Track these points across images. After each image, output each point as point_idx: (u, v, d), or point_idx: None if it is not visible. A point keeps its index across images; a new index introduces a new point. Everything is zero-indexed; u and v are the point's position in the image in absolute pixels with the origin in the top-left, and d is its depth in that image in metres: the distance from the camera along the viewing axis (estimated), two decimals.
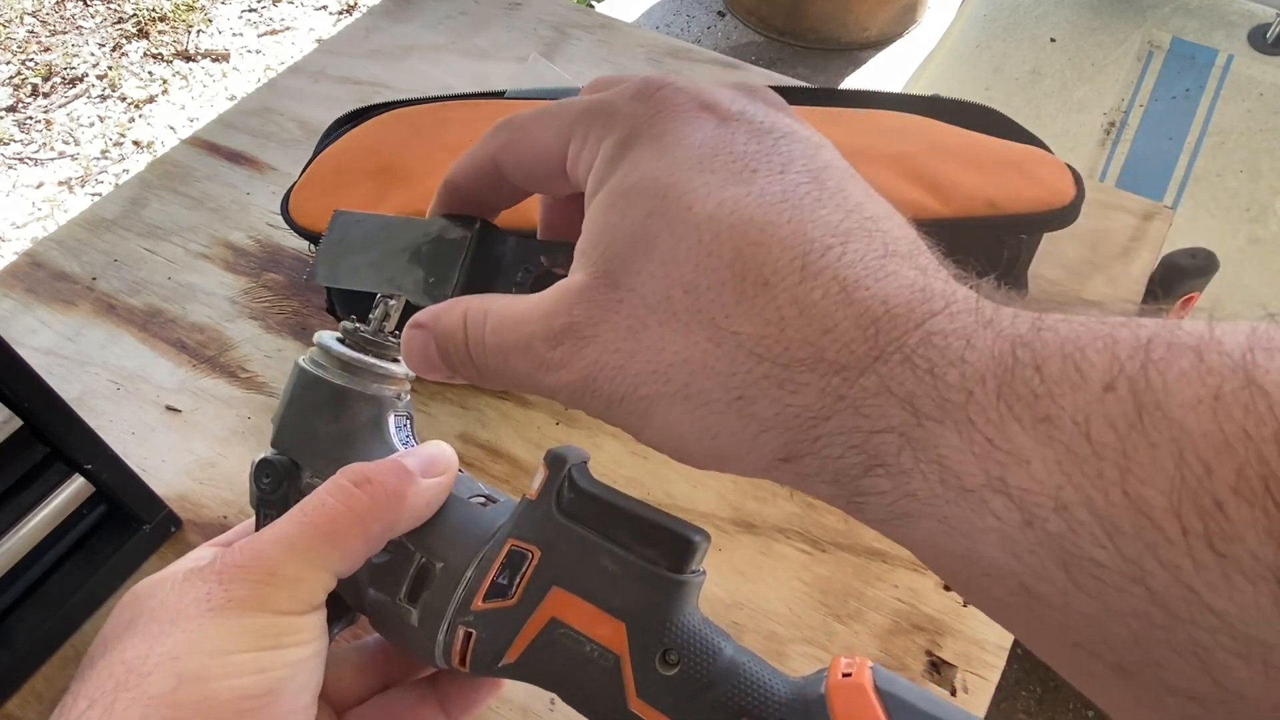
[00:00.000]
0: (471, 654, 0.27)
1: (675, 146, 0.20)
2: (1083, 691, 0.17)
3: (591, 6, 2.15)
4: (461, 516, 0.28)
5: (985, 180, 0.49)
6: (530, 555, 0.26)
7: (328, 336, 0.30)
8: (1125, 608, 0.14)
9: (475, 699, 0.31)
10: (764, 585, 0.44)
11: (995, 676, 0.41)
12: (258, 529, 0.28)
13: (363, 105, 0.56)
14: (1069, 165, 0.51)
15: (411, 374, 0.31)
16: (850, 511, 0.19)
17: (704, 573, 0.27)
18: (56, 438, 0.38)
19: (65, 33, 2.27)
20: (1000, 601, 0.16)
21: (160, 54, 2.22)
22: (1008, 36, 1.17)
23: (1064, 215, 0.50)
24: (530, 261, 0.27)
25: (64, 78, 2.14)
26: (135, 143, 1.99)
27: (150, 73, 2.17)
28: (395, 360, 0.31)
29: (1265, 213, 1.02)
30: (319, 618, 0.26)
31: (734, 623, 0.43)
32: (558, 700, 0.26)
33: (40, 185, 1.88)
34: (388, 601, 0.28)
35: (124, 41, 2.25)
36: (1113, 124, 1.09)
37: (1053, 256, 0.58)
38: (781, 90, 0.57)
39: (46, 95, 2.10)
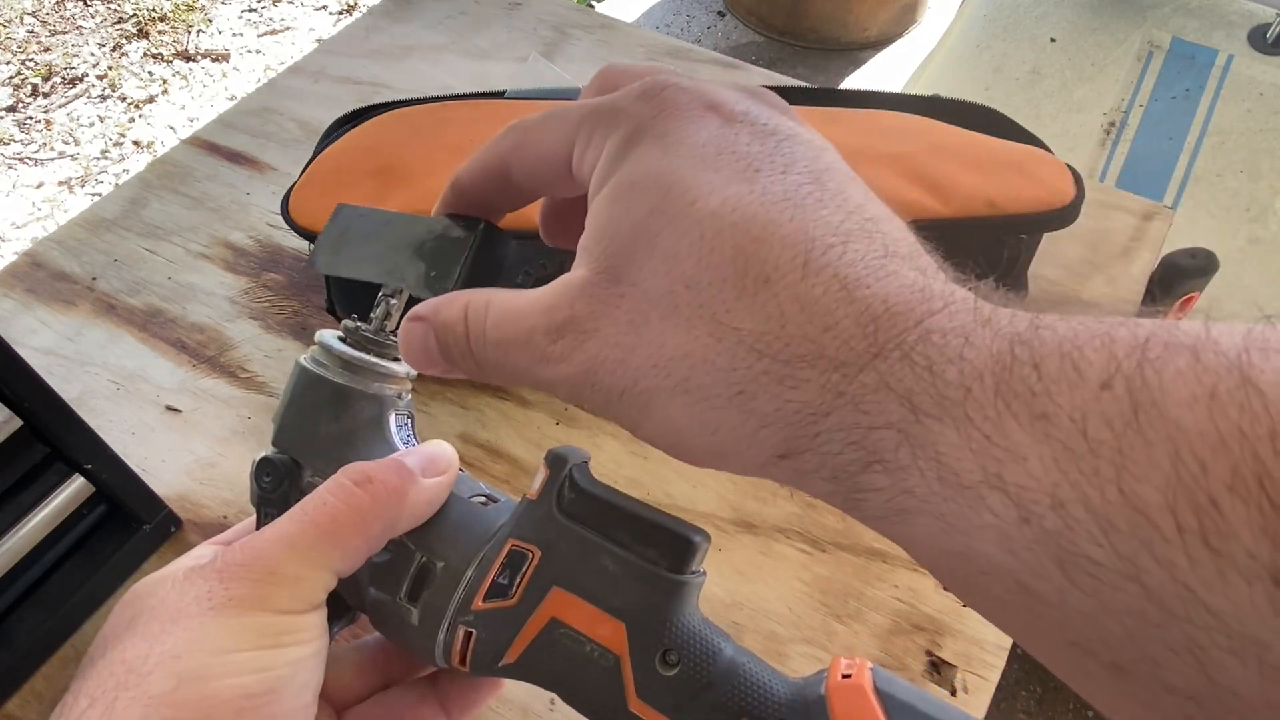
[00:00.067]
0: (471, 653, 0.27)
1: (679, 144, 0.21)
2: (1079, 692, 0.17)
3: (591, 6, 2.15)
4: (462, 516, 0.28)
5: (985, 180, 0.49)
6: (531, 555, 0.26)
7: (329, 335, 0.30)
8: (1121, 605, 0.14)
9: (475, 698, 0.31)
10: (764, 585, 0.44)
11: (995, 676, 0.41)
12: (258, 528, 0.28)
13: (363, 105, 0.56)
14: (1069, 165, 0.51)
15: (413, 373, 0.31)
16: (848, 509, 0.19)
17: (704, 573, 0.27)
18: (56, 438, 0.38)
19: (65, 33, 2.27)
20: (997, 600, 0.16)
21: (160, 54, 2.22)
22: (1008, 36, 1.17)
23: (1064, 215, 0.50)
24: (531, 265, 0.27)
25: (64, 78, 2.14)
26: (135, 143, 1.99)
27: (150, 73, 2.17)
28: (396, 359, 0.31)
29: (1265, 213, 1.02)
30: (319, 616, 0.26)
31: (734, 623, 0.43)
32: (558, 700, 0.26)
33: (40, 185, 1.89)
34: (388, 600, 0.28)
35: (124, 41, 2.25)
36: (1113, 124, 1.09)
37: (1053, 256, 0.58)
38: (781, 90, 0.57)
39: (46, 95, 2.10)
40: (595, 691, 0.25)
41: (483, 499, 0.29)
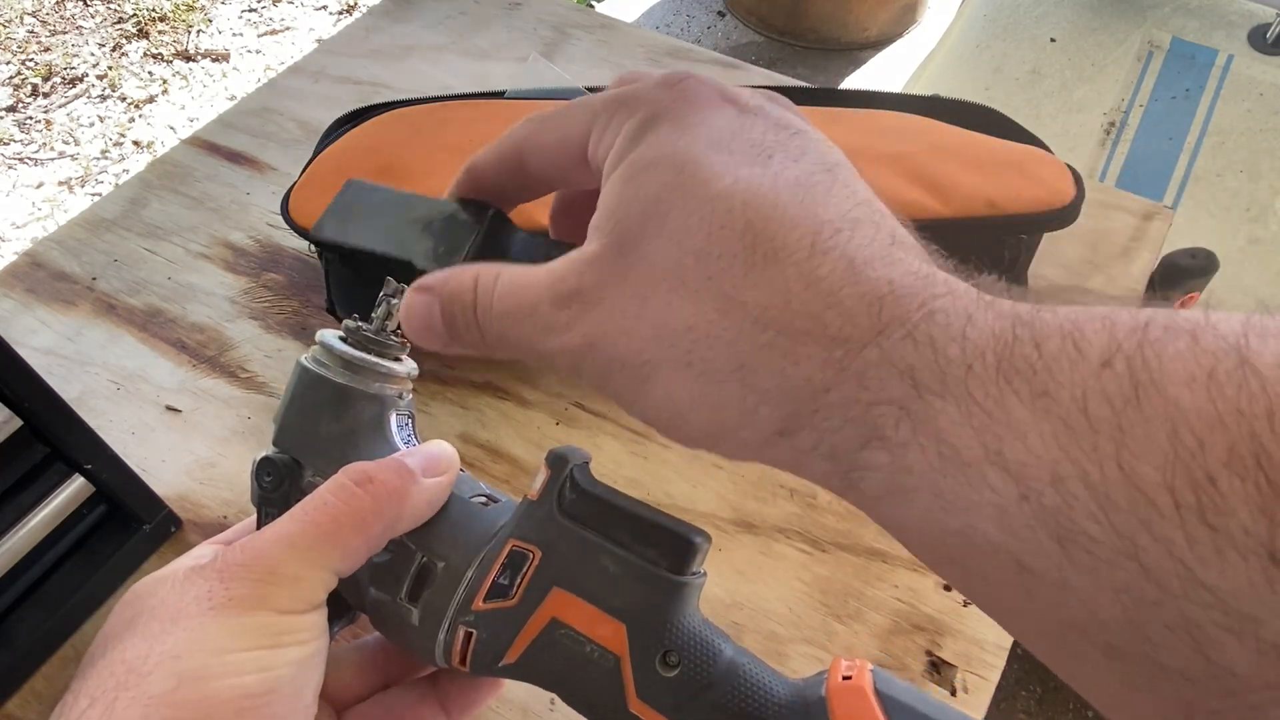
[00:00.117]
0: (472, 654, 0.27)
1: (695, 128, 0.21)
2: (1072, 682, 0.17)
3: (591, 6, 2.15)
4: (463, 516, 0.28)
5: (985, 180, 0.49)
6: (531, 555, 0.26)
7: (330, 335, 0.30)
8: (1118, 583, 0.14)
9: (475, 698, 0.31)
10: (764, 585, 0.44)
11: (995, 676, 0.41)
12: (259, 527, 0.28)
13: (363, 105, 0.56)
14: (1069, 165, 0.51)
15: (414, 373, 0.31)
16: (844, 491, 0.19)
17: (705, 574, 0.27)
18: (56, 438, 0.38)
19: (65, 33, 2.27)
20: (994, 583, 0.16)
21: (160, 54, 2.22)
22: (1008, 36, 1.17)
23: (1064, 215, 0.50)
24: (537, 259, 0.28)
25: (64, 78, 2.14)
26: (135, 143, 1.99)
27: (150, 73, 2.17)
28: (398, 359, 0.31)
29: (1265, 213, 1.02)
30: (320, 616, 0.26)
31: (734, 623, 0.43)
32: (558, 700, 0.26)
33: (40, 185, 1.88)
34: (388, 601, 0.28)
35: (124, 41, 2.25)
36: (1113, 124, 1.09)
37: (1053, 256, 0.58)
38: (781, 90, 0.57)
39: (46, 95, 2.10)
40: (595, 692, 0.25)
41: (483, 499, 0.29)
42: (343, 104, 0.60)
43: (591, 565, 0.26)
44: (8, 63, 2.17)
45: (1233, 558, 0.13)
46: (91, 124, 2.03)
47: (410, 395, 0.31)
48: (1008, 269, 0.52)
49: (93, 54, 2.21)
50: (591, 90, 0.56)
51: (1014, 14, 1.18)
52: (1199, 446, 0.13)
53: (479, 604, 0.26)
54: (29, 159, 1.94)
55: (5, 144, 1.96)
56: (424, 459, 0.28)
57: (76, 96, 2.09)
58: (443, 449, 0.29)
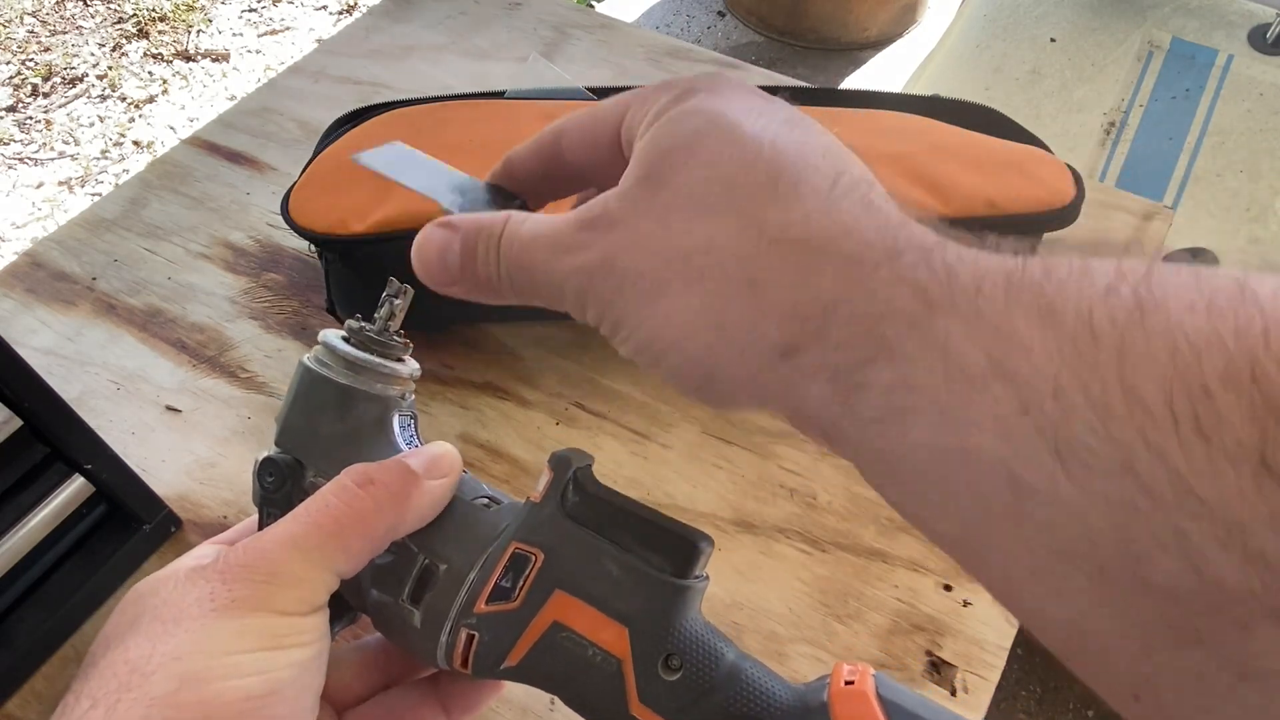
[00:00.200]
0: (474, 656, 0.27)
1: (730, 98, 0.22)
2: (1048, 629, 0.17)
3: (591, 6, 2.15)
4: (465, 518, 0.28)
5: (985, 180, 0.49)
6: (534, 558, 0.26)
7: (333, 335, 0.30)
8: (1112, 494, 0.14)
9: (476, 699, 0.31)
10: (764, 585, 0.44)
11: (995, 676, 0.41)
12: (260, 528, 0.28)
13: (363, 105, 0.56)
14: (1069, 165, 0.51)
15: (416, 374, 0.31)
16: (840, 419, 0.19)
17: (708, 578, 0.27)
18: (56, 438, 0.38)
19: (65, 33, 2.26)
20: (985, 508, 0.16)
21: (160, 54, 2.22)
22: (1008, 36, 1.17)
23: (1064, 215, 0.50)
24: None
25: (64, 78, 2.14)
26: (135, 143, 1.99)
27: (150, 73, 2.17)
28: (400, 360, 0.31)
29: (1265, 213, 1.02)
30: (321, 618, 0.26)
31: (734, 623, 0.43)
32: (558, 701, 0.26)
33: (40, 185, 1.88)
34: (390, 602, 0.28)
35: (124, 41, 2.25)
36: (1113, 124, 1.09)
37: None
38: (781, 90, 0.57)
39: (46, 95, 2.10)
40: (597, 696, 0.25)
41: (485, 501, 0.29)
42: (343, 104, 0.60)
43: (594, 568, 0.26)
44: (8, 63, 2.17)
45: (1224, 467, 0.13)
46: (91, 124, 2.03)
47: (413, 396, 0.31)
48: None
49: (93, 54, 2.21)
50: (592, 90, 0.56)
51: (1014, 14, 1.18)
52: (1197, 362, 0.14)
53: (481, 606, 0.26)
54: (29, 159, 1.94)
55: (5, 144, 1.96)
56: (427, 460, 0.28)
57: (76, 96, 2.09)
58: (445, 450, 0.29)
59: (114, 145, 1.98)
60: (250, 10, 2.36)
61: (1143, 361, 0.14)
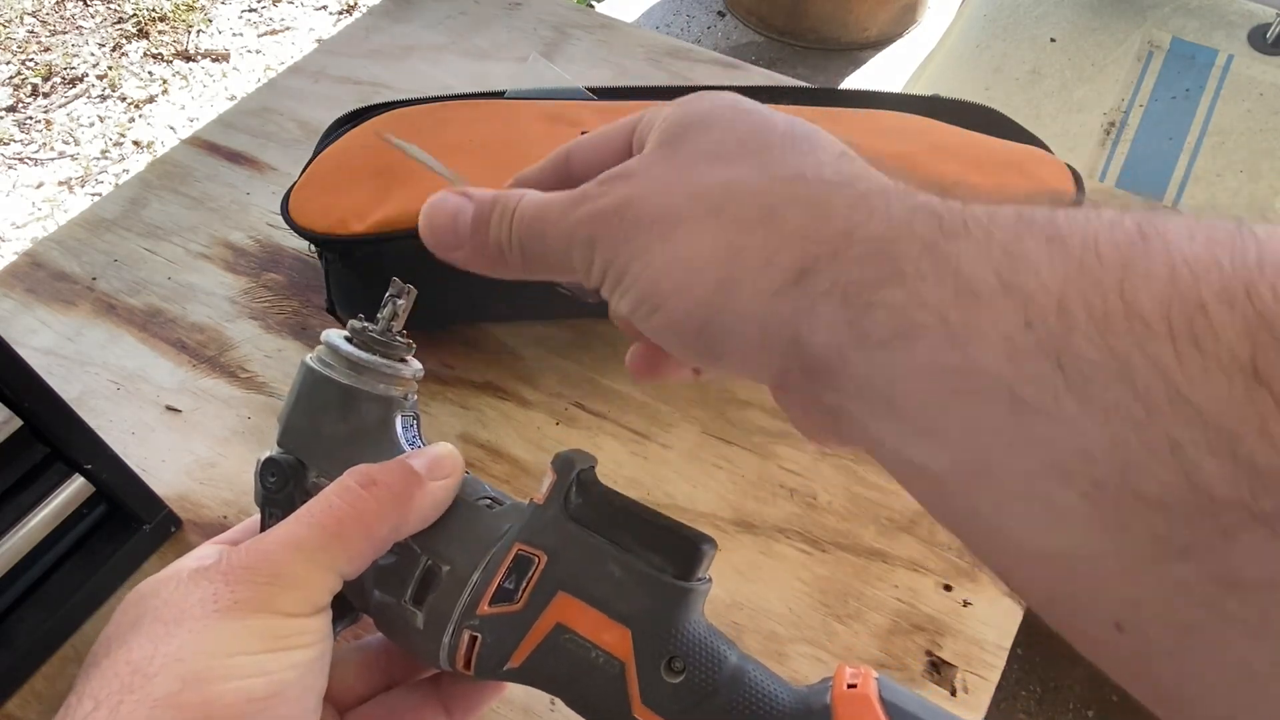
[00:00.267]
0: (476, 658, 0.26)
1: (740, 99, 0.24)
2: (1036, 562, 0.17)
3: (591, 6, 2.15)
4: (468, 519, 0.28)
5: (985, 180, 0.49)
6: (537, 560, 0.26)
7: (336, 336, 0.30)
8: (1109, 404, 0.15)
9: (478, 700, 0.31)
10: (764, 585, 0.44)
11: (995, 676, 0.41)
12: (262, 528, 0.28)
13: (363, 105, 0.56)
14: (1069, 165, 0.51)
15: (419, 374, 0.31)
16: (846, 345, 0.19)
17: (710, 580, 0.27)
18: (56, 438, 0.38)
19: (65, 33, 2.26)
20: (982, 424, 0.17)
21: (160, 54, 2.22)
22: (1008, 36, 1.17)
23: None
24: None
25: (64, 78, 2.14)
26: (135, 143, 1.99)
27: (150, 73, 2.17)
28: (403, 360, 0.31)
29: (1265, 213, 1.02)
30: (324, 619, 0.26)
31: (734, 623, 0.43)
32: (558, 701, 0.26)
33: (40, 185, 1.88)
34: (393, 603, 0.28)
35: (124, 41, 2.25)
36: (1113, 124, 1.09)
37: None
38: (781, 90, 0.57)
39: (46, 95, 2.09)
40: (599, 698, 0.25)
41: (488, 501, 0.29)
42: (343, 104, 0.60)
43: (597, 570, 0.26)
44: (8, 63, 2.17)
45: (1217, 376, 0.14)
46: (91, 124, 2.03)
47: (415, 397, 0.31)
48: None
49: (93, 54, 2.21)
50: (592, 90, 0.56)
51: (1014, 14, 1.18)
52: (1194, 282, 0.15)
53: (484, 608, 0.26)
54: (29, 159, 1.94)
55: (5, 144, 1.96)
56: (429, 461, 0.28)
57: (76, 96, 2.09)
58: (448, 451, 0.29)
59: (114, 145, 1.98)
60: (250, 10, 2.36)
61: (1143, 280, 0.15)
